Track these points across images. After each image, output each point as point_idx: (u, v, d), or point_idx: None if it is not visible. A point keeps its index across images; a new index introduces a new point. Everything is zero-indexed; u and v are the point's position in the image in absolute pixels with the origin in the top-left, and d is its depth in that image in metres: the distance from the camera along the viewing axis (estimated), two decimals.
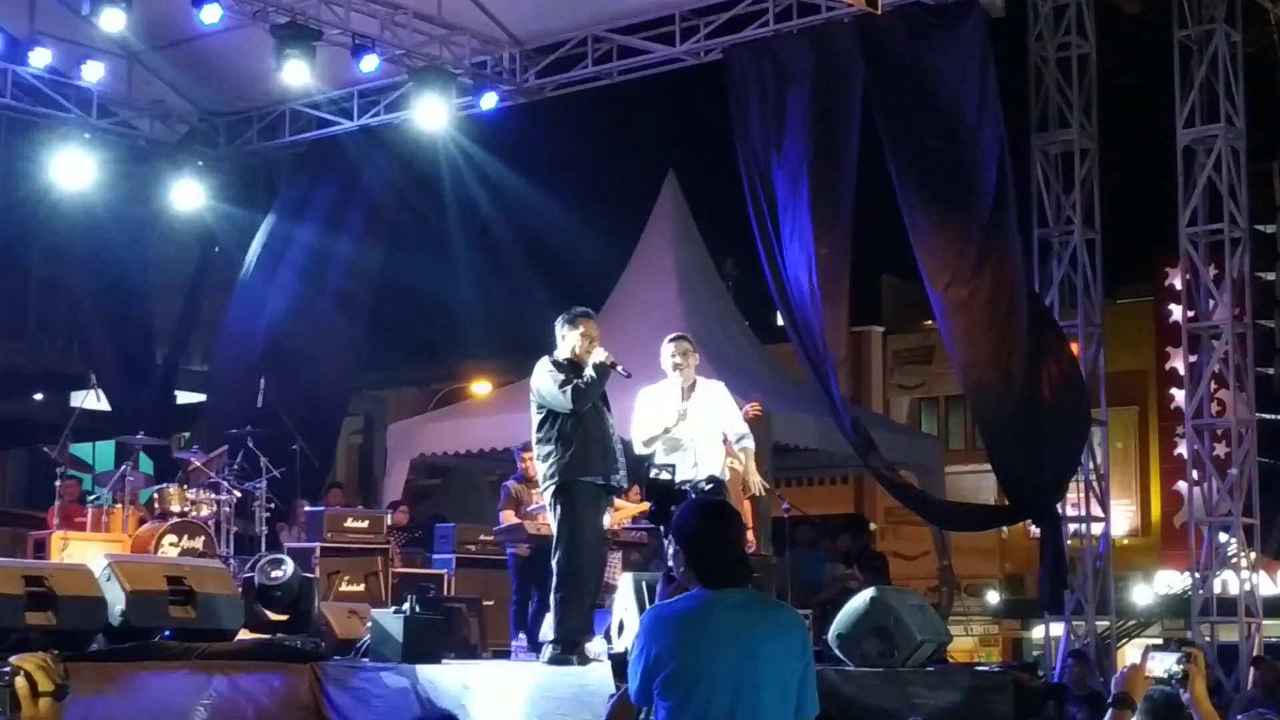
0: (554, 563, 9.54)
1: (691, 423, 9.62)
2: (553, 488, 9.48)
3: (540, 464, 9.62)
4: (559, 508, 9.47)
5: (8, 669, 3.56)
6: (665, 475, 9.16)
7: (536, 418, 9.62)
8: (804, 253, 14.52)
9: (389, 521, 14.56)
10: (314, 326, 18.13)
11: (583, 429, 9.46)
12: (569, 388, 9.36)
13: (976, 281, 13.99)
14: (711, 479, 9.40)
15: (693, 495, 8.94)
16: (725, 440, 9.93)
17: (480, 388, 24.78)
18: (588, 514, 9.50)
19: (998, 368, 13.87)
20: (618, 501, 11.21)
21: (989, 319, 13.92)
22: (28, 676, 3.55)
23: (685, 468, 9.40)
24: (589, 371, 9.44)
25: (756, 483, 10.20)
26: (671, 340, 9.93)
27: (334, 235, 18.00)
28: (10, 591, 8.63)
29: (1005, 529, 23.02)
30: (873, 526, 17.46)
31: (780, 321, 17.19)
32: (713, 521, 5.09)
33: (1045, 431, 13.81)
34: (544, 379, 9.50)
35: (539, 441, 9.58)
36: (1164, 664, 4.91)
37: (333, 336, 18.22)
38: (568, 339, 9.62)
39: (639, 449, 9.71)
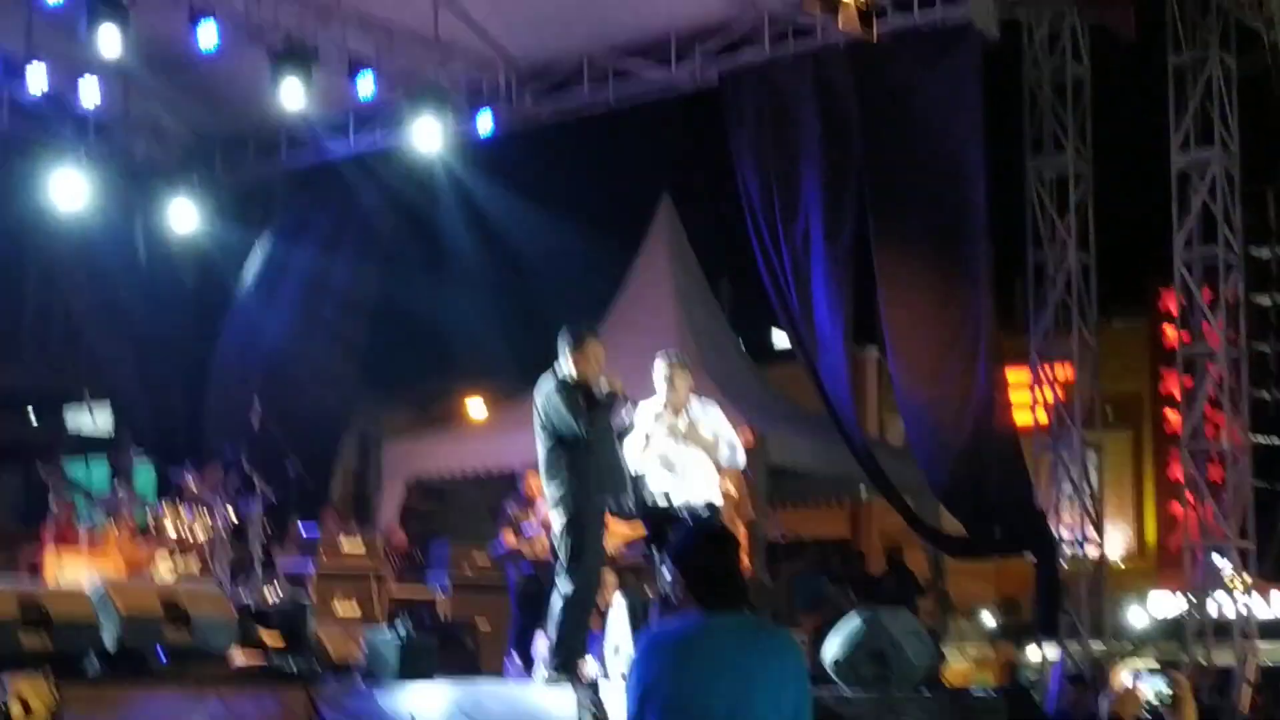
0: (558, 586, 9.52)
1: (685, 445, 9.61)
2: (563, 513, 9.45)
3: (549, 488, 9.56)
4: (568, 534, 9.43)
5: (2, 691, 3.57)
6: (662, 501, 9.16)
7: (542, 436, 9.58)
8: (809, 275, 14.54)
9: (379, 544, 14.53)
10: (311, 349, 18.11)
11: (593, 455, 9.42)
12: (583, 419, 9.30)
13: (939, 311, 14.02)
14: (709, 504, 9.39)
15: (689, 519, 8.94)
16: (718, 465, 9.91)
17: (475, 409, 24.74)
18: (594, 538, 9.48)
19: (949, 407, 13.87)
20: (611, 524, 11.18)
21: (948, 353, 13.95)
22: (21, 698, 3.56)
23: (681, 491, 9.39)
24: (600, 403, 9.39)
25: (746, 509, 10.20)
26: (660, 356, 9.91)
27: (331, 257, 18.02)
28: (4, 613, 8.61)
29: None
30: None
31: (776, 344, 17.25)
32: (711, 545, 5.09)
33: (988, 469, 13.83)
34: (554, 402, 9.44)
35: (548, 465, 9.53)
36: (1154, 687, 4.97)
37: (330, 359, 18.20)
38: (572, 359, 9.58)
39: (633, 466, 9.70)
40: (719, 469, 9.89)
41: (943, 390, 13.96)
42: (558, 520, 9.51)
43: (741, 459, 9.99)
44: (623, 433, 9.71)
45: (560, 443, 9.47)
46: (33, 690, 3.59)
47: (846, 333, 14.65)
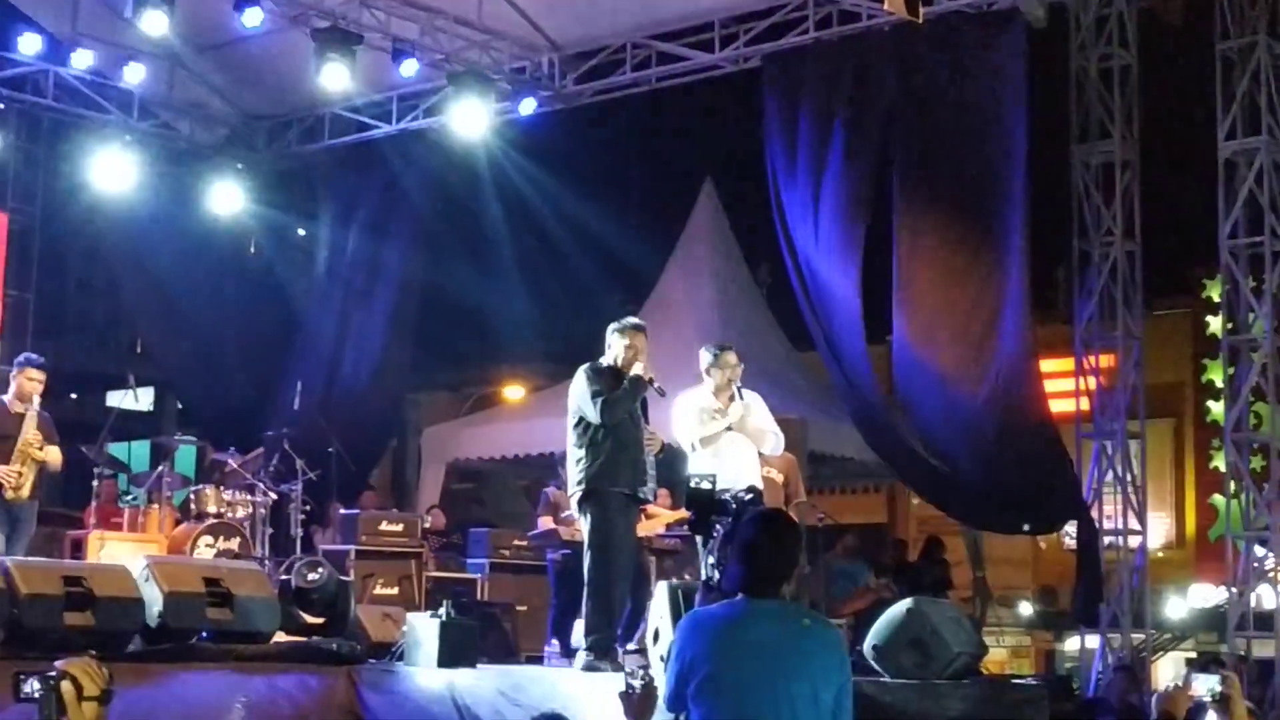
0: (585, 570, 9.59)
1: (732, 435, 9.67)
2: (580, 494, 9.56)
3: (571, 468, 9.71)
4: (588, 515, 9.55)
5: (54, 673, 3.58)
6: (706, 484, 9.17)
7: (571, 423, 9.68)
8: (835, 261, 14.49)
9: (426, 525, 14.59)
10: (362, 336, 18.12)
11: (614, 438, 9.51)
12: (600, 400, 9.41)
13: (966, 302, 13.97)
14: (751, 488, 9.41)
15: (733, 505, 8.95)
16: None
17: (513, 393, 24.79)
18: (616, 522, 9.54)
19: (975, 382, 13.83)
20: (652, 508, 11.23)
21: (971, 330, 13.90)
22: (74, 681, 3.57)
23: (725, 476, 9.41)
24: (623, 384, 9.49)
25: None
26: (705, 349, 9.95)
27: (372, 239, 18.06)
28: (49, 591, 8.68)
29: (1043, 541, 22.88)
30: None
31: None
32: (774, 533, 5.09)
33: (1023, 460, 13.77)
34: (580, 385, 9.57)
35: (572, 447, 9.68)
36: (1206, 684, 4.95)
37: (382, 346, 18.15)
38: (614, 347, 9.70)
39: (691, 450, 9.73)
40: (760, 454, 9.99)
41: (967, 383, 13.90)
42: (575, 500, 9.61)
43: (782, 446, 10.10)
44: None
45: (584, 425, 9.55)
46: (84, 672, 3.60)
47: (862, 321, 14.56)
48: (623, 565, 9.60)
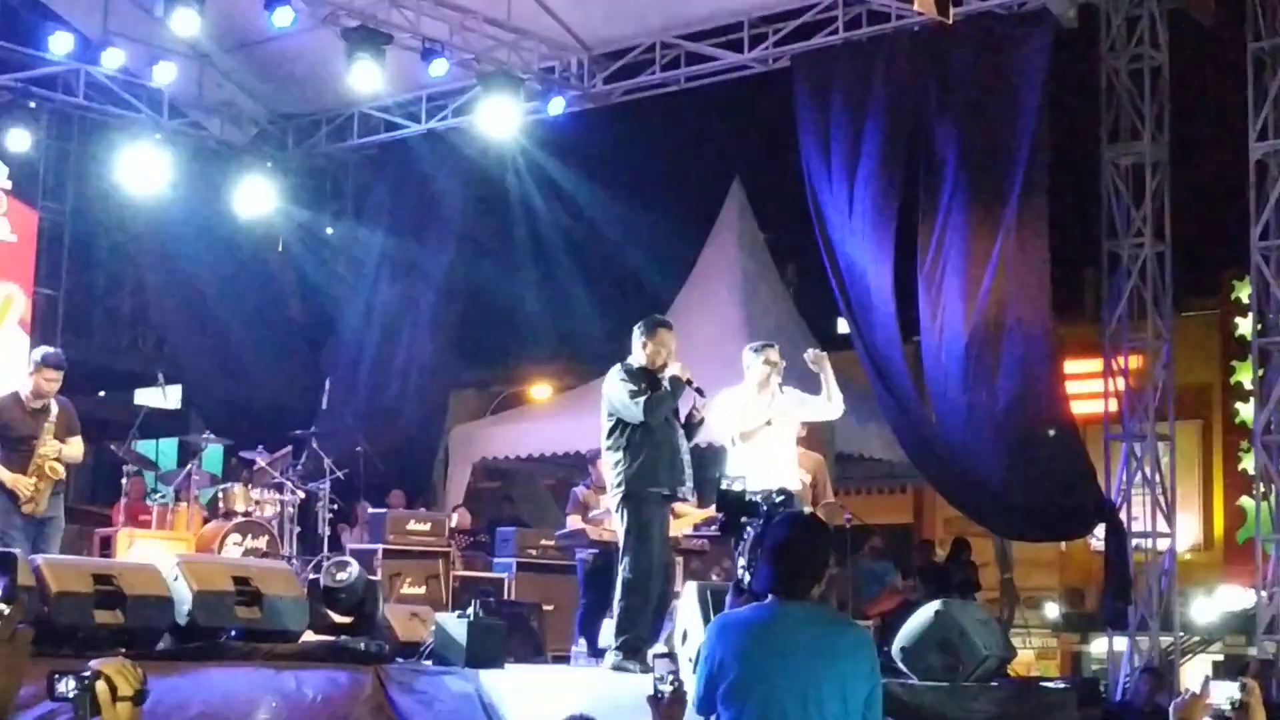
0: (620, 570, 9.59)
1: (772, 431, 9.71)
2: (619, 496, 9.55)
3: (608, 471, 9.71)
4: (625, 516, 9.54)
5: (88, 673, 3.59)
6: (737, 486, 9.18)
7: (606, 425, 9.68)
8: (869, 261, 14.48)
9: (452, 524, 14.61)
10: (391, 335, 18.13)
11: (651, 439, 9.51)
12: (642, 400, 9.41)
13: (991, 293, 13.98)
14: (783, 491, 9.42)
15: (764, 506, 8.96)
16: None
17: (540, 391, 24.81)
18: (654, 523, 9.55)
19: (993, 385, 13.81)
20: (680, 507, 11.23)
21: (990, 332, 13.88)
22: (108, 681, 3.58)
23: (764, 473, 9.42)
24: (664, 385, 9.49)
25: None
26: (767, 346, 10.04)
27: (401, 238, 18.08)
28: (79, 589, 8.72)
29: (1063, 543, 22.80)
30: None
31: (842, 330, 17.18)
32: (806, 536, 5.10)
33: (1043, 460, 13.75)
34: (616, 387, 9.56)
35: (608, 449, 9.67)
36: (1225, 692, 4.93)
37: (412, 345, 18.14)
38: (644, 348, 9.69)
39: (731, 444, 9.77)
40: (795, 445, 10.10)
41: (986, 386, 13.86)
42: (614, 502, 9.61)
43: (838, 407, 10.19)
44: (690, 421, 9.82)
45: (620, 424, 9.56)
46: (119, 672, 3.61)
47: (897, 319, 14.54)
48: (657, 566, 9.61)
